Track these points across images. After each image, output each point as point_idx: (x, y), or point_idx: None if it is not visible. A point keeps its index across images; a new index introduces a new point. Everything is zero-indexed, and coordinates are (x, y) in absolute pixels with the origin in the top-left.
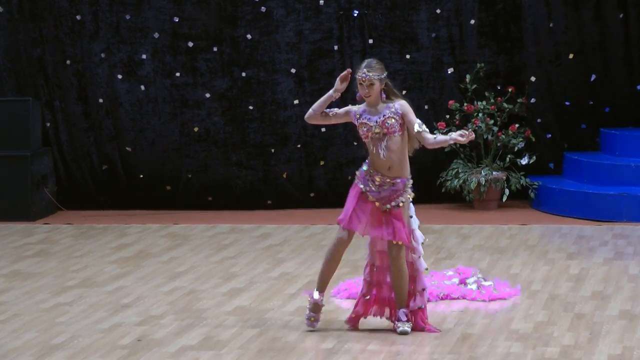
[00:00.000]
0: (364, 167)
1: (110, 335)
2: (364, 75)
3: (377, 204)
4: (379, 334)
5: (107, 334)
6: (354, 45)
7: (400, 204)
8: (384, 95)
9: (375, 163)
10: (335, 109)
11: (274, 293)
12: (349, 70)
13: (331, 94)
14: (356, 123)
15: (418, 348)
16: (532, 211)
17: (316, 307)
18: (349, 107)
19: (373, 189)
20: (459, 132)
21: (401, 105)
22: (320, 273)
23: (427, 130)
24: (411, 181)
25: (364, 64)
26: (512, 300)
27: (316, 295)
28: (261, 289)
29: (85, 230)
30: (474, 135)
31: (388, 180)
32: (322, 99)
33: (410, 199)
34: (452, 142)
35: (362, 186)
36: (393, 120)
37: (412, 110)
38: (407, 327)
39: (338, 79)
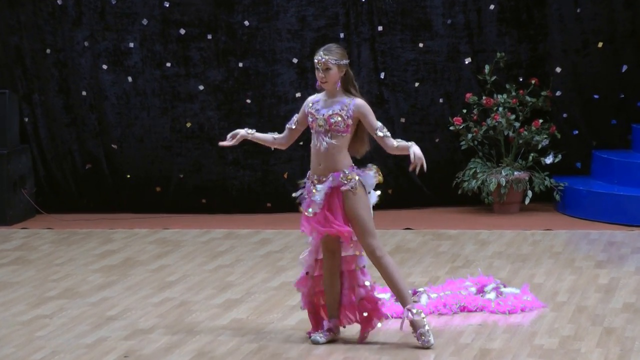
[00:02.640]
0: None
1: (95, 350)
2: (319, 57)
3: (308, 210)
4: (390, 348)
5: (90, 350)
6: (362, 32)
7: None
8: (339, 85)
9: (313, 159)
10: (295, 116)
11: (273, 304)
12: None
13: (249, 134)
14: (306, 111)
15: None
16: (557, 215)
17: (329, 331)
18: (305, 101)
19: (314, 197)
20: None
21: (357, 105)
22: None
23: (388, 134)
24: (353, 172)
25: (322, 48)
26: (535, 312)
27: (325, 324)
28: (260, 300)
29: (67, 235)
30: (421, 159)
31: (324, 178)
32: (260, 140)
33: (354, 187)
34: (411, 153)
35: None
36: (339, 118)
37: (371, 112)
38: (428, 338)
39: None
